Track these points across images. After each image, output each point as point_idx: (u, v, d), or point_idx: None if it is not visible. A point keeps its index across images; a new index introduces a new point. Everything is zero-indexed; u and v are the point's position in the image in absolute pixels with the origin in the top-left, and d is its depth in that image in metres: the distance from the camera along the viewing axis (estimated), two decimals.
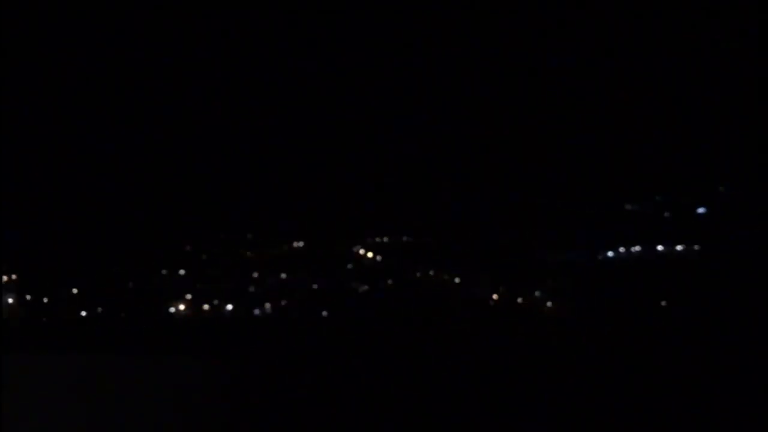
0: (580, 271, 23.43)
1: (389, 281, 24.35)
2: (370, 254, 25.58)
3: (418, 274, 25.10)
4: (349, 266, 24.66)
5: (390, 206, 27.36)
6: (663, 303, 20.60)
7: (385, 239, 26.47)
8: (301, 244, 25.95)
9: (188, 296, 22.20)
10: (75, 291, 23.23)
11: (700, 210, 25.13)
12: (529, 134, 31.71)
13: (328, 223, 26.37)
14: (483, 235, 27.09)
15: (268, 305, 22.08)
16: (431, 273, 25.31)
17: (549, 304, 22.22)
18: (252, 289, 23.09)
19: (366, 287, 23.48)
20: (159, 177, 29.05)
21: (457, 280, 24.79)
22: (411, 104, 32.93)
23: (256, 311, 21.75)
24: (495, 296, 23.79)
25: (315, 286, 23.41)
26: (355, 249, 25.96)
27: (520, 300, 23.04)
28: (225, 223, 27.15)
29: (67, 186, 28.19)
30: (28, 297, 22.16)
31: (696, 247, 22.93)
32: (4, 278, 22.80)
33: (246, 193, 29.09)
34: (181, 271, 23.75)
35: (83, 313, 21.71)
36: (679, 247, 23.11)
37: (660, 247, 23.72)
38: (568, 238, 25.57)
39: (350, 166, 29.00)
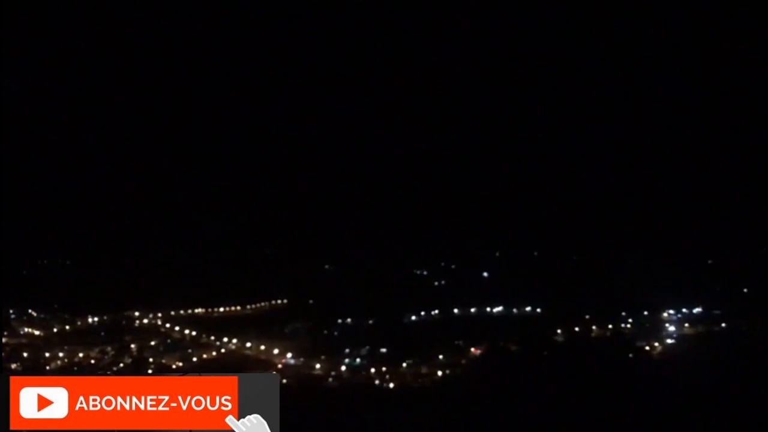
0: (387, 335, 24.64)
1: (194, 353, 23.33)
2: (176, 327, 24.37)
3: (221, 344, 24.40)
4: (154, 342, 23.25)
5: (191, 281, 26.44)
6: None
7: (188, 311, 25.45)
8: (96, 318, 23.92)
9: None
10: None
11: (485, 274, 28.11)
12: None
13: (134, 297, 24.69)
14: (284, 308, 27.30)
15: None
16: (234, 342, 24.83)
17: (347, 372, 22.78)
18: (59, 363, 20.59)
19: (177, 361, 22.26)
20: None
21: (263, 347, 24.61)
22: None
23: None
24: (294, 361, 23.98)
25: (122, 364, 21.64)
26: (158, 322, 24.55)
27: (318, 366, 23.49)
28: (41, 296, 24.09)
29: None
30: None
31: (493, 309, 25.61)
32: None
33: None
34: None
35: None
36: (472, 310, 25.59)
37: (456, 310, 26.02)
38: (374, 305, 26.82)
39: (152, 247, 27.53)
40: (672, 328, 23.34)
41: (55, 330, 22.78)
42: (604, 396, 9.39)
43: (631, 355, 14.92)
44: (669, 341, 21.80)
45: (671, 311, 23.87)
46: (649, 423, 8.21)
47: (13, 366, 20.41)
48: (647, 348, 20.32)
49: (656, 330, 23.04)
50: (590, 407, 9.10)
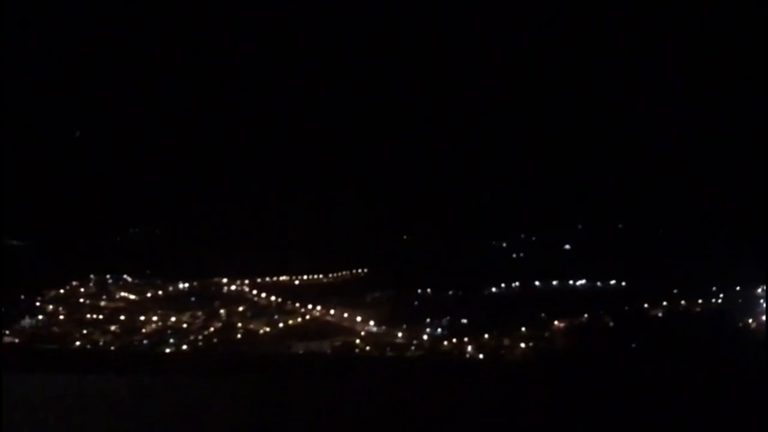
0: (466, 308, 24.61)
1: (279, 319, 23.96)
2: (263, 294, 25.07)
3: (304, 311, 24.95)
4: (241, 307, 24.03)
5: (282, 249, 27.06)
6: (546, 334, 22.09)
7: (275, 279, 26.12)
8: (188, 284, 24.86)
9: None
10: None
11: (567, 246, 27.66)
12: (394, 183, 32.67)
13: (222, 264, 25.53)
14: (369, 277, 27.61)
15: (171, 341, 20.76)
16: (318, 309, 25.34)
17: (430, 341, 22.96)
18: (147, 329, 21.65)
19: (263, 327, 22.94)
20: None
21: (345, 314, 25.05)
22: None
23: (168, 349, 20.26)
24: (375, 329, 24.29)
25: (212, 329, 22.49)
26: (246, 289, 25.31)
27: (400, 335, 23.75)
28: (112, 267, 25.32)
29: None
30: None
31: (572, 282, 25.21)
32: None
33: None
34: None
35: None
36: (554, 282, 25.26)
37: (537, 283, 25.75)
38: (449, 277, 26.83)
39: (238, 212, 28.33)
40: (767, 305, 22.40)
41: (148, 295, 23.84)
42: (710, 373, 9.13)
43: (730, 333, 14.45)
44: (765, 318, 20.93)
45: (766, 287, 22.87)
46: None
47: (113, 328, 21.61)
48: (740, 325, 19.61)
49: (750, 306, 22.17)
50: (695, 385, 8.89)
